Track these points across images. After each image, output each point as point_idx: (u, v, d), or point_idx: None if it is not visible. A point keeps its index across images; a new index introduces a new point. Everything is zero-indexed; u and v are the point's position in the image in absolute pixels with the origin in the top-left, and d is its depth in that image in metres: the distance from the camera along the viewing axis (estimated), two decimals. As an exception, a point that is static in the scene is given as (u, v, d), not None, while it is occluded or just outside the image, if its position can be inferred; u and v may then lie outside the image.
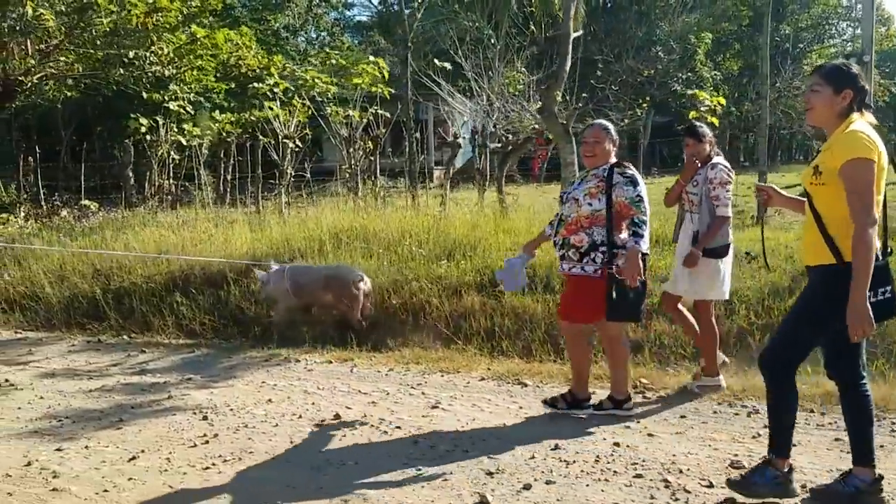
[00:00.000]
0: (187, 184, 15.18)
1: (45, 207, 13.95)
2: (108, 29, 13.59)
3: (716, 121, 10.29)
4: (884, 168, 3.10)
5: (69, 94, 16.51)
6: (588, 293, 4.36)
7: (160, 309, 7.79)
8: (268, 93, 13.54)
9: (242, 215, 12.46)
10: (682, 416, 4.56)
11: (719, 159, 4.93)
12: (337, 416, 4.69)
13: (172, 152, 14.53)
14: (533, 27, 24.62)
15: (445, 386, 5.40)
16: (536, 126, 13.74)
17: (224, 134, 14.70)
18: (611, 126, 4.57)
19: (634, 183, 4.33)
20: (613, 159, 4.50)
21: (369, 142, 13.46)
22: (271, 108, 13.34)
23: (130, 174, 15.30)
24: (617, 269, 4.23)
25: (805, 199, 3.31)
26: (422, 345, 6.55)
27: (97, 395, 5.36)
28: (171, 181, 14.62)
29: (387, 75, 13.15)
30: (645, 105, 27.66)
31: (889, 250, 3.24)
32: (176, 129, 14.74)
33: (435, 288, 7.08)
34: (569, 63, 9.68)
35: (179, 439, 4.37)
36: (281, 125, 13.40)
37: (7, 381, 5.78)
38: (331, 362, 6.17)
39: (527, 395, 5.11)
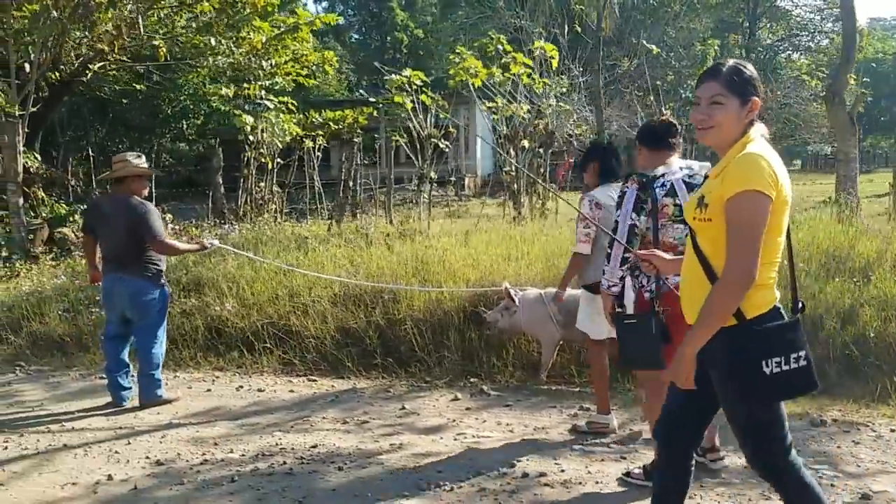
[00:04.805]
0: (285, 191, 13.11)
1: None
2: (216, 7, 11.48)
3: None
4: (787, 202, 2.33)
5: (137, 87, 14.08)
6: None
7: (471, 348, 6.05)
8: (404, 85, 11.62)
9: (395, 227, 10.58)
10: None
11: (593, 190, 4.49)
12: None
13: (276, 155, 12.46)
14: (578, 26, 23.54)
15: None
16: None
17: (348, 132, 12.73)
18: None
19: None
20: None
21: (525, 140, 11.85)
22: (402, 103, 11.54)
23: (220, 180, 13.07)
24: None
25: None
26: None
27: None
28: (276, 188, 12.52)
29: (554, 64, 11.55)
30: (669, 110, 26.97)
31: (801, 305, 2.48)
32: (278, 128, 12.66)
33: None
34: (856, 42, 8.46)
35: None
36: (420, 122, 11.62)
37: (529, 475, 3.86)
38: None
39: None
